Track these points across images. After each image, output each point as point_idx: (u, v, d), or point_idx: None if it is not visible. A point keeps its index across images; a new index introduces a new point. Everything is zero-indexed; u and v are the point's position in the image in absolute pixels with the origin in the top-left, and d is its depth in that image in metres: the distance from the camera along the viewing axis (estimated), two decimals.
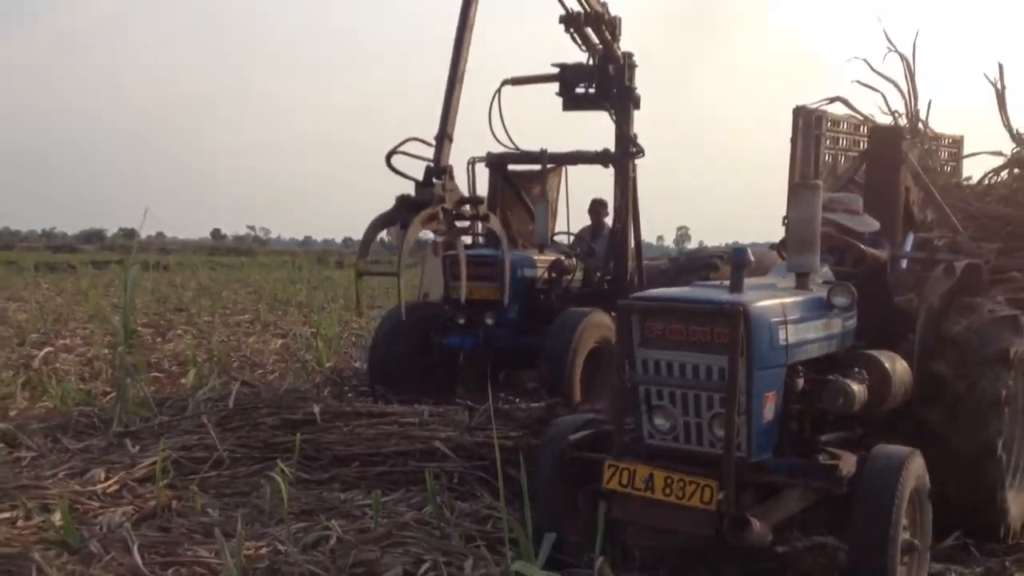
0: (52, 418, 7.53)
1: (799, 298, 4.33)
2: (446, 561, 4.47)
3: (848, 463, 3.95)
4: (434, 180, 6.94)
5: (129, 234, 73.25)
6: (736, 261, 4.19)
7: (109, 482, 5.83)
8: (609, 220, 10.22)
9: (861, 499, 3.80)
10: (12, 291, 21.87)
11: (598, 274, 9.35)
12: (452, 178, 7.15)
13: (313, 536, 4.86)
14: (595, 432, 4.41)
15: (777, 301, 4.13)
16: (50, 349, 11.64)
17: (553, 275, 8.94)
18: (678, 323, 3.99)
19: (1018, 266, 6.58)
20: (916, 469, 3.96)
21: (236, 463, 6.29)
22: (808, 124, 4.83)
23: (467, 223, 7.39)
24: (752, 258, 4.26)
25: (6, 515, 5.08)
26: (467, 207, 7.16)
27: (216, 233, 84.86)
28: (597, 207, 10.30)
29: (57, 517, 5.18)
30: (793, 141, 6.75)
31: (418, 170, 7.03)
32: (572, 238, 10.26)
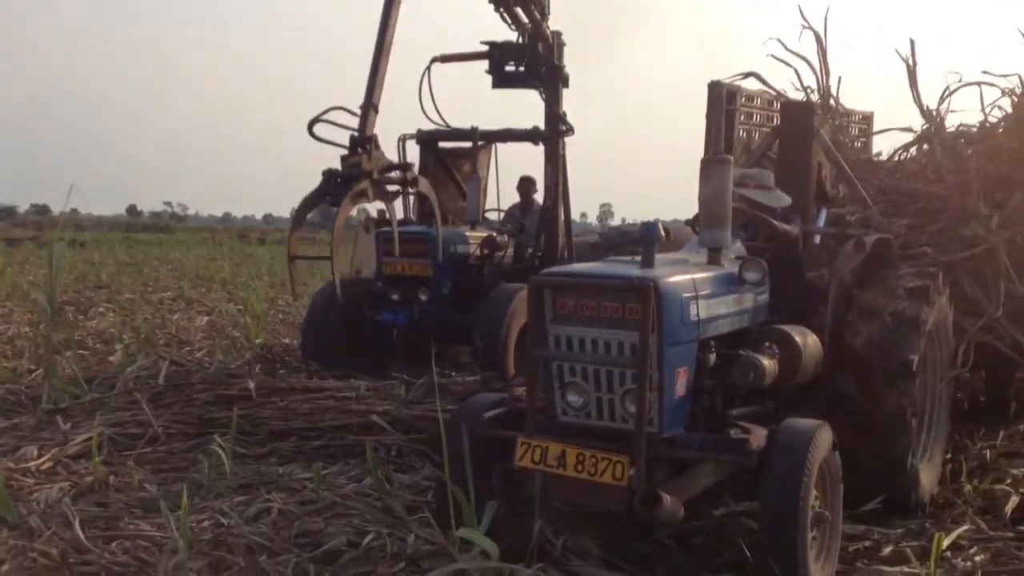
0: None
1: (710, 273, 4.35)
2: (389, 532, 4.54)
3: (758, 437, 3.97)
4: (359, 150, 6.96)
5: (41, 210, 71.45)
6: (646, 236, 4.16)
7: (42, 459, 5.77)
8: (538, 197, 10.32)
9: (770, 472, 3.83)
10: None
11: (529, 250, 9.46)
12: (378, 147, 7.16)
13: (255, 509, 4.88)
14: (509, 410, 4.36)
15: (688, 276, 4.13)
16: None
17: (485, 251, 9.02)
18: (589, 299, 3.96)
19: (928, 241, 6.63)
20: (824, 441, 3.97)
21: (171, 439, 6.28)
22: (718, 99, 4.87)
23: (396, 188, 7.40)
24: (663, 233, 4.25)
25: None
26: (395, 172, 7.21)
27: (132, 209, 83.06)
28: (526, 184, 10.38)
29: None
30: (708, 117, 6.81)
31: (342, 139, 7.04)
32: (502, 215, 10.34)
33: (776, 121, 6.74)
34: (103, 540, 4.50)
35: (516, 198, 10.60)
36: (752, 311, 4.63)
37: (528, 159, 10.55)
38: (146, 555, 4.32)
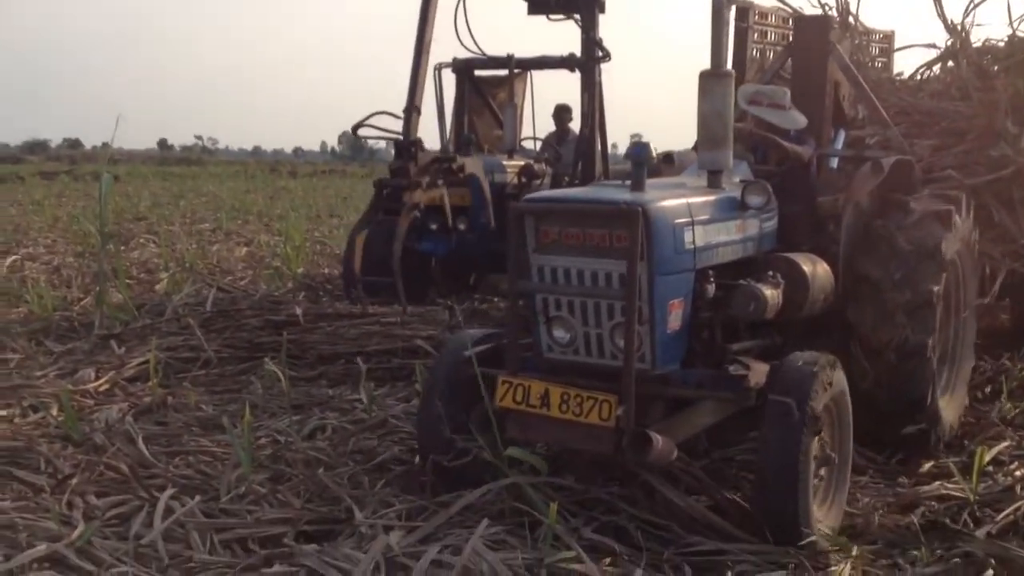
0: (32, 323, 7.61)
1: (709, 197, 4.04)
2: None
3: (758, 373, 3.73)
4: (405, 154, 7.08)
5: (73, 144, 71.79)
6: (635, 157, 3.84)
7: (100, 381, 5.97)
8: (573, 125, 10.33)
9: (770, 411, 3.57)
10: None
11: (566, 179, 9.50)
12: (423, 149, 7.27)
13: (310, 427, 5.07)
14: (495, 346, 4.09)
15: (683, 201, 3.83)
16: (15, 257, 11.62)
17: (523, 180, 9.06)
18: (574, 226, 3.66)
19: (953, 163, 6.29)
20: (831, 377, 3.71)
21: (223, 363, 6.46)
22: (719, 11, 4.56)
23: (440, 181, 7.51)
24: (653, 153, 4.07)
25: (3, 413, 5.21)
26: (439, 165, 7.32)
27: (163, 143, 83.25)
28: (562, 112, 10.39)
29: (55, 412, 5.36)
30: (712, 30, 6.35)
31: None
32: (538, 143, 10.36)
33: (789, 39, 6.45)
34: (165, 456, 4.70)
35: (551, 126, 10.62)
36: (757, 239, 4.33)
37: (563, 87, 10.53)
38: (208, 469, 4.51)
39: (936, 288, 4.68)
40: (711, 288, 3.88)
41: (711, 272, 3.91)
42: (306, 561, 3.41)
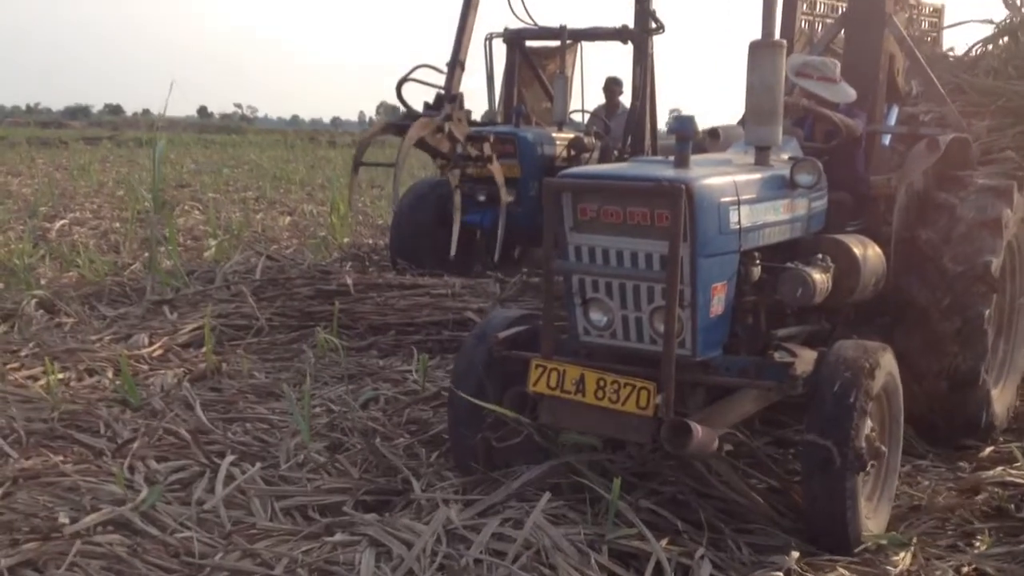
0: (84, 287, 7.68)
1: (756, 175, 3.84)
2: None
3: (805, 361, 3.57)
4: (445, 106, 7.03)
5: (114, 110, 72.46)
6: (680, 132, 3.62)
7: (154, 347, 6.02)
8: (623, 99, 10.24)
9: (816, 402, 3.43)
10: (9, 166, 21.76)
11: (615, 152, 9.41)
12: (463, 107, 7.18)
13: (364, 397, 5.07)
14: (529, 328, 3.92)
15: (729, 179, 3.62)
16: (64, 222, 11.75)
17: (572, 153, 8.99)
18: (614, 204, 3.48)
19: (1010, 144, 6.11)
20: (884, 365, 3.54)
21: (274, 331, 6.49)
22: None
23: (470, 160, 7.45)
24: (699, 127, 3.81)
25: (59, 376, 5.26)
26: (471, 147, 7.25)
27: (203, 111, 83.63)
28: (612, 85, 10.30)
29: (110, 377, 5.42)
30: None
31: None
32: (587, 116, 10.28)
33: (840, 10, 6.17)
34: (223, 422, 4.73)
35: (600, 99, 10.53)
36: (806, 219, 4.14)
37: (612, 60, 10.43)
38: (266, 436, 4.54)
39: (995, 260, 4.49)
40: (756, 271, 3.73)
41: (757, 254, 3.74)
42: (367, 531, 3.42)
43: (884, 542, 3.55)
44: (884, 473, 3.74)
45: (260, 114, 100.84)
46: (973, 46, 7.25)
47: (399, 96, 6.95)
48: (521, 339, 3.87)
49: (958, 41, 8.55)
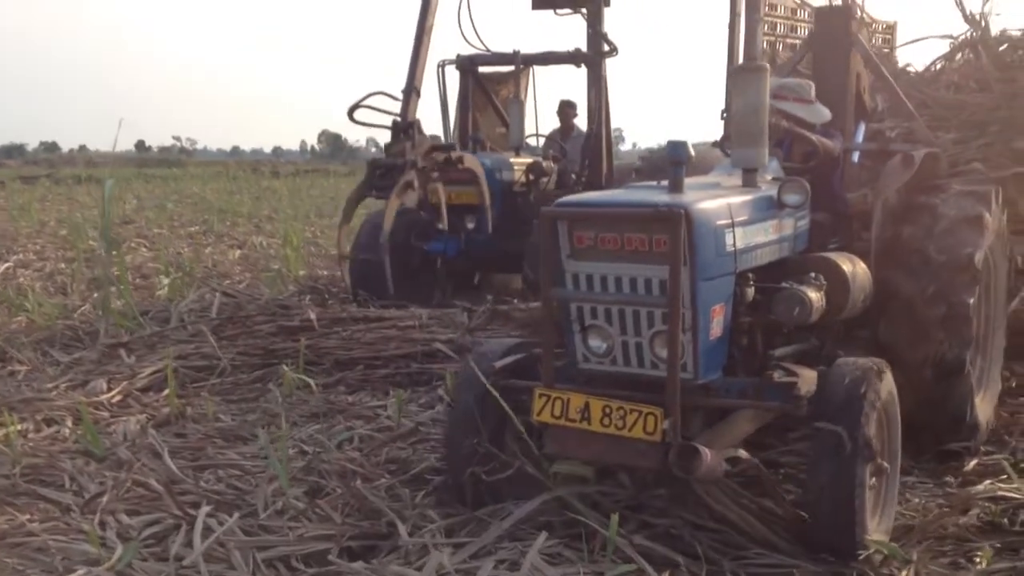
0: (34, 332, 7.44)
1: (747, 197, 3.85)
2: None
3: (807, 380, 3.57)
4: (402, 136, 6.95)
5: (50, 148, 71.27)
6: (674, 157, 3.58)
7: (112, 392, 5.81)
8: (578, 122, 10.23)
9: (827, 396, 3.47)
10: None
11: (573, 176, 9.39)
12: (421, 132, 7.15)
13: (339, 437, 4.93)
14: (525, 356, 3.93)
15: (723, 201, 3.64)
16: (8, 264, 11.42)
17: (531, 177, 8.95)
18: (611, 231, 3.47)
19: (975, 156, 6.17)
20: (884, 383, 3.58)
21: (236, 370, 6.31)
22: (753, 2, 4.41)
23: (439, 170, 7.38)
24: (692, 152, 3.73)
25: (18, 427, 5.05)
26: (438, 154, 7.18)
27: (140, 145, 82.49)
28: (566, 108, 10.28)
29: (69, 426, 5.22)
30: (732, 25, 6.18)
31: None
32: (541, 140, 10.25)
33: (801, 31, 6.26)
34: (193, 470, 4.56)
35: (554, 123, 10.51)
36: (792, 238, 4.16)
37: (564, 83, 10.43)
38: (240, 483, 4.37)
39: (979, 254, 4.52)
40: (751, 292, 3.74)
41: (751, 275, 3.75)
42: None
43: (886, 552, 3.50)
44: (884, 493, 3.71)
45: (199, 146, 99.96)
46: (934, 61, 7.34)
47: (352, 120, 6.84)
48: (518, 368, 3.87)
49: (911, 58, 8.64)
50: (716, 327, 3.56)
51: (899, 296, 4.55)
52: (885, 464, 3.63)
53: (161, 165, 52.06)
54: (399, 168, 6.96)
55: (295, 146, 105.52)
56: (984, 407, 4.92)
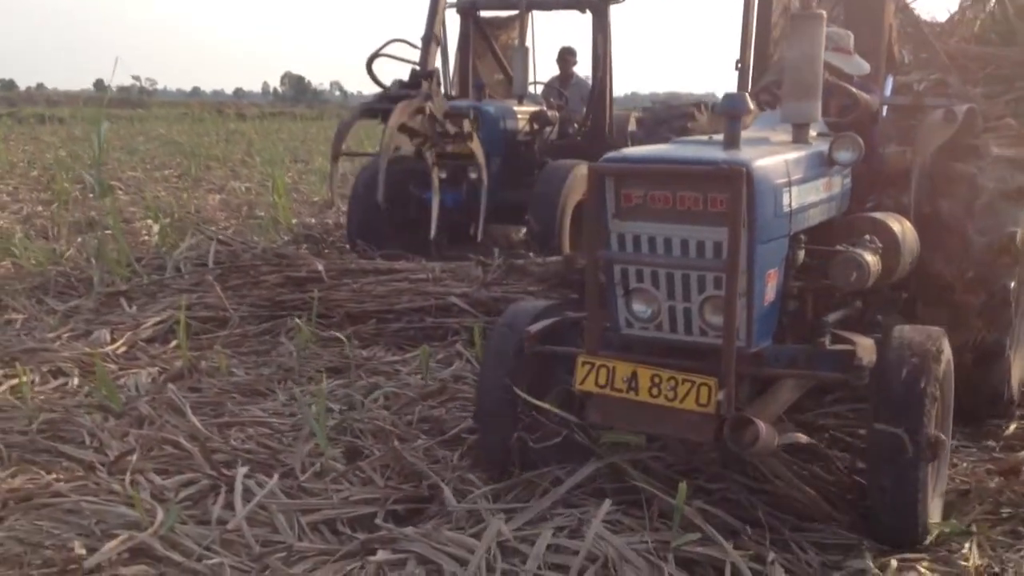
0: (24, 279, 7.18)
1: (802, 154, 3.63)
2: None
3: (866, 349, 3.36)
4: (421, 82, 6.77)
5: (7, 86, 69.43)
6: (731, 110, 3.40)
7: (118, 343, 5.63)
8: (577, 69, 10.03)
9: (884, 388, 3.28)
10: None
11: (575, 125, 9.19)
12: (440, 83, 6.94)
13: (373, 395, 4.76)
14: (559, 320, 3.74)
15: (780, 159, 3.43)
16: None
17: (535, 127, 8.73)
18: (662, 189, 3.25)
19: (1007, 112, 5.88)
20: (946, 350, 3.41)
21: (243, 322, 6.13)
22: None
23: (449, 138, 7.19)
24: (752, 105, 3.64)
25: (22, 379, 4.85)
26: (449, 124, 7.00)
27: (99, 84, 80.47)
28: (566, 55, 10.04)
29: (77, 378, 5.03)
30: None
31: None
32: (539, 88, 10.01)
33: None
34: (217, 427, 4.40)
35: (553, 70, 10.28)
36: (839, 198, 3.96)
37: (562, 30, 10.20)
38: (269, 442, 4.23)
39: (1020, 231, 4.38)
40: (802, 255, 3.54)
41: (803, 237, 3.55)
42: (412, 547, 3.17)
43: (947, 530, 3.43)
44: (940, 461, 3.60)
45: (159, 86, 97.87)
46: (961, 9, 7.14)
47: (370, 73, 6.59)
48: (552, 333, 3.66)
49: (925, 10, 8.46)
50: (770, 292, 3.38)
51: (938, 280, 4.41)
52: (944, 438, 3.45)
53: (122, 106, 50.82)
54: (411, 97, 6.72)
55: (257, 88, 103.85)
56: (1017, 371, 4.81)
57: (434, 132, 6.96)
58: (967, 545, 3.38)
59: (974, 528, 3.50)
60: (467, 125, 7.23)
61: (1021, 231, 4.43)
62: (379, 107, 6.79)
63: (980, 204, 4.48)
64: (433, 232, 6.53)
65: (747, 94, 3.60)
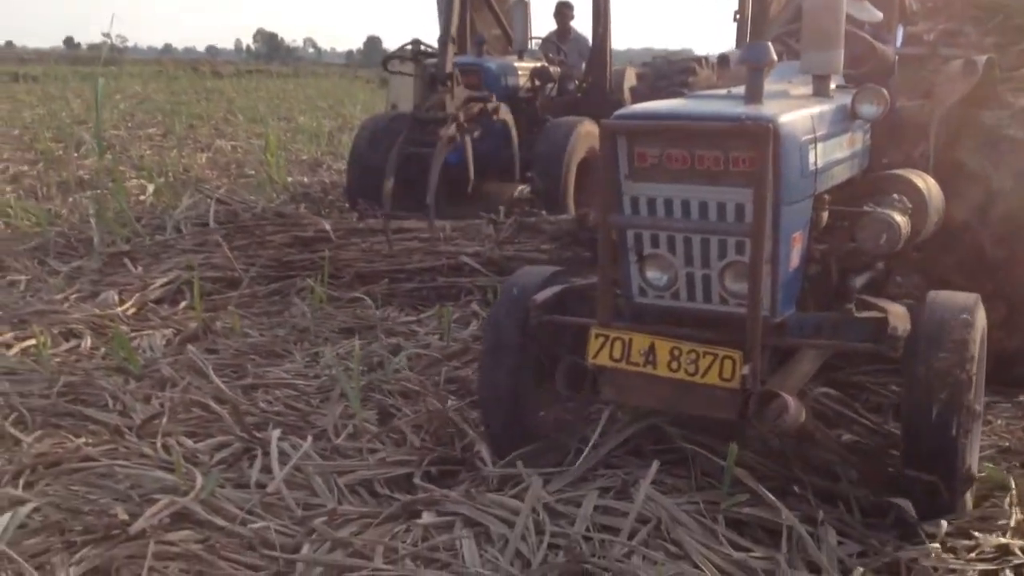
0: (23, 239, 7.05)
1: (825, 108, 3.41)
2: None
3: (899, 317, 3.14)
4: (440, 87, 6.71)
5: None
6: (753, 60, 3.18)
7: (127, 305, 5.53)
8: (575, 24, 9.91)
9: (922, 366, 3.04)
10: None
11: (576, 82, 9.08)
12: (459, 83, 6.89)
13: (395, 358, 4.69)
14: (565, 289, 3.52)
15: (806, 113, 3.21)
16: None
17: (537, 83, 8.61)
18: (679, 147, 3.02)
19: (1019, 63, 5.65)
20: (982, 320, 3.24)
21: (252, 282, 6.04)
22: None
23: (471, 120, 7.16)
24: (775, 56, 3.33)
25: (32, 342, 4.77)
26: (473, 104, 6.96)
27: (70, 41, 79.29)
28: (564, 9, 9.90)
29: (90, 340, 4.95)
30: None
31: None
32: (535, 43, 9.89)
33: None
34: (241, 390, 4.33)
35: (550, 25, 10.16)
36: (861, 155, 3.76)
37: None
38: (297, 404, 4.17)
39: None
40: (825, 216, 3.33)
41: (827, 197, 3.33)
42: (458, 509, 3.14)
43: (986, 475, 3.42)
44: (975, 431, 3.47)
45: (130, 43, 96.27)
46: None
47: (386, 70, 6.51)
48: (559, 302, 3.47)
49: None
50: (795, 257, 3.17)
51: (970, 183, 4.25)
52: (978, 407, 3.35)
53: (94, 63, 49.97)
54: (440, 122, 6.70)
55: (230, 45, 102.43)
56: None
57: (462, 130, 6.95)
58: (1006, 498, 3.38)
59: (1012, 483, 3.49)
60: (491, 104, 7.16)
61: None
62: (415, 151, 6.82)
63: (1009, 153, 4.35)
64: (429, 197, 6.46)
65: (769, 45, 3.31)
